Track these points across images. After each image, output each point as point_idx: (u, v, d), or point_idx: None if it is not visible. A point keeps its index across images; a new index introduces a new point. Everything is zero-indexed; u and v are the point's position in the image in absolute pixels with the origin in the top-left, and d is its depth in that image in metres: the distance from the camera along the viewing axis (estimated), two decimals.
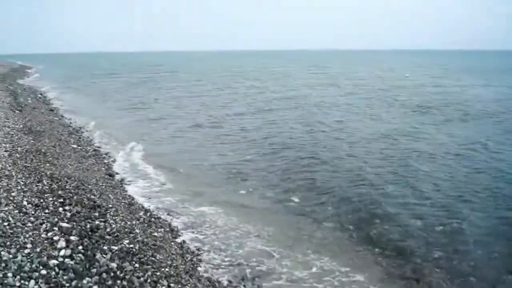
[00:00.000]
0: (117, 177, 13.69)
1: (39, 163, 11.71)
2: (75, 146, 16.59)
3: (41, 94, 35.11)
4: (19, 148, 12.92)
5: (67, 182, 10.44)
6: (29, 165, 11.31)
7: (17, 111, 21.36)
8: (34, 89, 40.01)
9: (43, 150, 13.26)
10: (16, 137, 14.58)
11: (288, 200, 12.70)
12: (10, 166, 10.77)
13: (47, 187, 9.73)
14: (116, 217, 8.75)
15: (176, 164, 16.29)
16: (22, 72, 69.79)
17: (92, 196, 9.75)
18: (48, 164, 11.92)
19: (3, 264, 5.84)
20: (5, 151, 12.34)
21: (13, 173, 10.28)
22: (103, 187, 11.60)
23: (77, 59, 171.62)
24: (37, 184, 9.74)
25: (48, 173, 10.87)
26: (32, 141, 14.55)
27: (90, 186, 10.78)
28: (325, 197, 12.83)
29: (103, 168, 14.25)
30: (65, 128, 20.84)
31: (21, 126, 16.81)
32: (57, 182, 10.26)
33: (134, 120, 26.19)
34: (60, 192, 9.52)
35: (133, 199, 11.65)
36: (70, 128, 21.26)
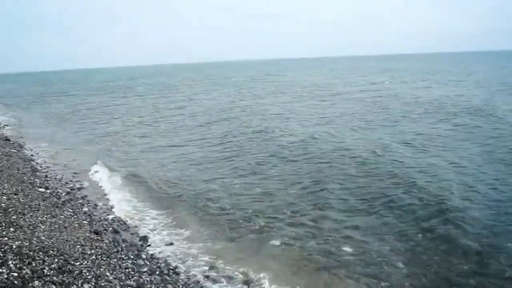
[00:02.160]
0: (108, 235, 10.38)
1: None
2: (42, 189, 13.25)
3: None
4: None
5: (43, 261, 7.23)
6: None
7: None
8: None
9: (3, 205, 9.87)
10: None
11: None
12: None
13: (15, 274, 6.47)
14: None
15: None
16: None
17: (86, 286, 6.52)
18: (12, 229, 8.60)
19: None
20: None
21: None
22: (94, 258, 8.38)
23: (23, 78, 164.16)
24: (0, 272, 6.47)
25: (14, 246, 7.58)
26: None
27: (78, 264, 7.56)
28: None
29: (85, 222, 11.04)
30: (26, 163, 17.40)
31: None
32: (29, 263, 7.01)
33: (103, 147, 22.69)
34: (36, 283, 6.27)
35: (140, 275, 8.39)
36: (33, 163, 17.81)
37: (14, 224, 8.97)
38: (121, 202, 13.51)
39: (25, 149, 21.10)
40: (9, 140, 22.34)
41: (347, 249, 10.05)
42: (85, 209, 12.45)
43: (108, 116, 36.03)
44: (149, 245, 10.32)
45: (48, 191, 13.30)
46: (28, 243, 7.90)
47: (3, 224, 8.76)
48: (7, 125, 29.57)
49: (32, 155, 19.62)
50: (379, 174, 14.90)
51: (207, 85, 75.15)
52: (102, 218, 11.91)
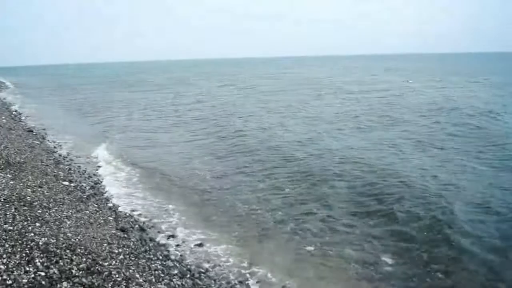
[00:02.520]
0: (135, 233, 10.03)
1: (25, 223, 8.06)
2: (67, 183, 12.97)
3: (15, 111, 31.12)
4: None
5: (71, 260, 6.88)
6: (10, 228, 7.63)
7: None
8: (7, 105, 35.95)
9: (28, 198, 9.60)
10: None
11: None
12: None
13: (43, 274, 6.12)
14: None
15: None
16: None
17: None
18: (38, 224, 8.28)
19: None
20: None
21: None
22: (122, 258, 8.02)
23: (48, 70, 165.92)
24: (27, 270, 6.14)
25: (40, 243, 7.24)
26: (11, 181, 10.91)
27: (106, 264, 7.19)
28: None
29: (111, 218, 10.69)
30: (49, 155, 17.16)
31: None
32: (56, 262, 6.66)
33: (125, 140, 22.39)
34: (65, 284, 5.91)
35: (171, 278, 7.99)
36: (56, 155, 17.61)
37: (40, 218, 8.70)
38: (146, 198, 13.22)
39: (48, 140, 20.94)
40: (32, 131, 22.25)
41: (386, 259, 9.49)
42: (110, 204, 12.15)
43: (127, 109, 35.82)
44: (177, 245, 9.88)
45: (72, 184, 13.02)
46: (54, 240, 7.59)
47: (29, 218, 8.48)
48: (29, 116, 29.49)
49: (54, 147, 19.46)
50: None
51: (217, 80, 74.12)
52: (127, 214, 11.57)
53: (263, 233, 11.07)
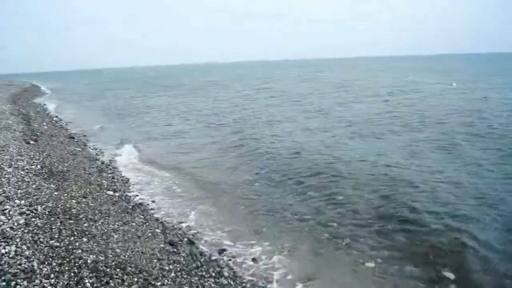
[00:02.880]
0: (184, 247, 9.56)
1: (72, 238, 7.67)
2: (111, 192, 12.68)
3: (56, 117, 31.43)
4: (39, 208, 8.97)
5: (123, 280, 6.39)
6: (57, 244, 7.24)
7: (32, 142, 17.59)
8: (48, 111, 36.55)
9: (73, 211, 9.24)
10: (34, 186, 10.69)
11: None
12: (28, 248, 6.82)
13: None
14: None
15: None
16: (34, 92, 66.82)
17: None
18: (85, 239, 7.88)
19: None
20: (19, 214, 8.44)
21: (35, 265, 6.30)
22: (174, 275, 7.54)
23: (83, 75, 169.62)
24: None
25: (89, 260, 6.82)
26: (55, 192, 10.63)
27: (159, 284, 6.73)
28: None
29: (158, 230, 10.25)
30: (91, 162, 16.99)
31: (38, 166, 12.90)
32: (107, 283, 6.24)
33: (170, 148, 22.11)
34: None
35: None
36: (98, 162, 17.37)
37: (87, 233, 8.33)
38: (191, 209, 12.78)
39: (89, 147, 20.90)
40: (73, 138, 22.31)
41: (449, 274, 8.69)
42: (157, 215, 11.70)
43: (167, 114, 35.70)
44: (229, 260, 9.34)
45: (116, 194, 12.73)
46: (103, 257, 7.17)
47: (75, 233, 8.11)
48: (69, 122, 29.74)
49: (96, 154, 19.36)
50: None
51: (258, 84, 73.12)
52: (175, 226, 11.11)
53: (318, 246, 10.42)
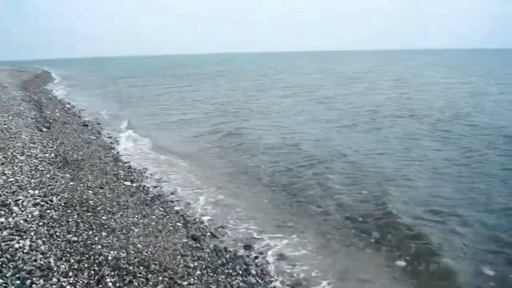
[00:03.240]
0: (207, 241, 9.08)
1: (90, 232, 7.21)
2: (128, 183, 12.26)
3: (69, 104, 31.13)
4: (54, 199, 8.50)
5: (147, 279, 5.95)
6: (75, 239, 6.77)
7: (45, 129, 17.21)
8: (59, 97, 36.28)
9: (91, 202, 8.77)
10: (48, 175, 10.24)
11: None
12: (44, 243, 6.37)
13: None
14: None
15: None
16: (45, 78, 66.75)
17: None
18: (104, 233, 7.41)
19: None
20: (34, 205, 7.98)
21: (51, 262, 5.84)
22: (199, 273, 7.07)
23: (93, 63, 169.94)
24: None
25: (109, 257, 6.35)
26: (71, 182, 10.15)
27: (185, 284, 6.25)
28: None
29: (180, 224, 9.83)
30: (107, 151, 16.59)
31: (52, 155, 12.46)
32: (130, 282, 5.79)
33: (184, 136, 21.64)
34: None
35: None
36: (113, 151, 16.97)
37: (106, 226, 7.88)
38: (212, 200, 12.28)
39: (104, 135, 20.48)
40: (87, 125, 21.92)
41: (489, 271, 8.15)
42: (177, 208, 11.24)
43: (180, 102, 35.25)
44: (256, 257, 8.83)
45: (134, 185, 12.29)
46: (125, 254, 6.70)
47: (94, 226, 7.66)
48: (82, 109, 29.40)
49: (111, 142, 18.94)
50: None
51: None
52: (197, 220, 10.66)
53: (346, 242, 9.94)
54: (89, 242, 6.99)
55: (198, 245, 8.81)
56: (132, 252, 7.03)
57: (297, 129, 22.77)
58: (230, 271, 7.99)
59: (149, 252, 7.30)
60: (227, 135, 21.55)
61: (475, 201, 11.89)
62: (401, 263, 8.95)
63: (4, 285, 5.26)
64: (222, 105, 33.02)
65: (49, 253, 6.36)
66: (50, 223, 7.48)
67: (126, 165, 15.09)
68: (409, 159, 16.21)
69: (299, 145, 18.73)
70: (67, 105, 30.81)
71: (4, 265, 5.72)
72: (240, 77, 65.89)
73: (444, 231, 10.14)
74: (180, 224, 9.90)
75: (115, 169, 13.78)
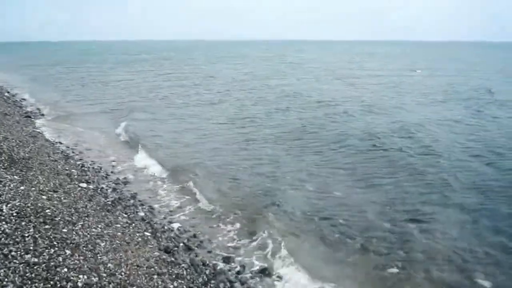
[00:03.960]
0: (182, 254, 8.28)
1: (52, 251, 6.30)
2: (84, 184, 11.20)
3: (8, 92, 28.98)
4: (4, 208, 7.49)
5: None
6: (35, 260, 5.84)
7: None
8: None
9: (48, 212, 7.77)
10: None
11: None
12: None
13: None
14: None
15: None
16: None
17: None
18: (68, 251, 6.49)
19: None
20: None
21: None
22: None
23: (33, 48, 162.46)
24: None
25: (79, 283, 5.54)
26: (21, 185, 8.99)
27: None
28: None
29: (148, 234, 8.94)
30: (55, 147, 15.37)
31: None
32: None
33: (137, 127, 20.48)
34: None
35: None
36: (62, 147, 15.71)
37: (68, 242, 6.86)
38: (181, 204, 11.36)
39: (49, 127, 18.97)
40: (30, 117, 20.29)
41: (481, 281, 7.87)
42: (141, 213, 10.29)
43: (129, 91, 33.77)
44: (238, 272, 8.11)
45: (91, 186, 11.25)
46: (97, 278, 5.81)
47: (55, 243, 6.66)
48: (24, 99, 27.47)
49: (59, 136, 17.54)
50: None
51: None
52: (165, 227, 9.74)
53: (331, 248, 9.45)
54: (52, 264, 6.06)
55: (172, 259, 8.01)
56: (104, 275, 6.16)
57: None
58: None
59: (122, 273, 6.44)
60: (187, 124, 20.55)
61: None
62: (394, 270, 8.55)
63: None
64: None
65: (6, 280, 5.37)
66: (3, 239, 6.44)
67: (78, 162, 13.92)
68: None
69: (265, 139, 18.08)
70: (5, 93, 28.65)
71: None
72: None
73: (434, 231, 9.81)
74: (149, 234, 9.04)
75: (67, 168, 12.64)
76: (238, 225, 10.38)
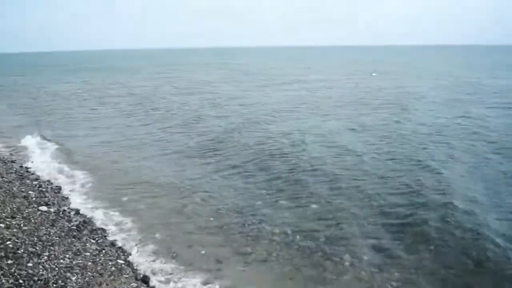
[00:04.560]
0: (162, 286, 7.61)
1: None
2: (44, 208, 10.36)
3: None
4: None
5: None
6: None
7: None
8: None
9: (9, 244, 7.02)
10: None
11: None
12: None
13: None
14: None
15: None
16: None
17: None
18: None
19: None
20: None
21: None
22: None
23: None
24: None
25: None
26: None
27: None
28: None
29: (121, 261, 8.23)
30: (7, 166, 14.28)
31: None
32: None
33: (95, 138, 19.58)
34: None
35: None
36: (16, 166, 14.62)
37: (36, 279, 6.11)
38: (131, 223, 10.60)
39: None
40: None
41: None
42: (111, 238, 9.55)
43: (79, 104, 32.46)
44: None
45: (52, 210, 10.44)
46: None
47: (22, 281, 5.89)
48: None
49: (11, 154, 16.49)
50: None
51: None
52: (138, 250, 9.03)
53: (280, 263, 8.89)
54: None
55: None
56: None
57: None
58: None
59: None
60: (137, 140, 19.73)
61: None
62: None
63: None
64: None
65: None
66: None
67: (35, 182, 12.94)
68: None
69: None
70: None
71: None
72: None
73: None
74: (122, 262, 8.39)
75: (23, 189, 11.76)
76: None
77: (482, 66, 73.09)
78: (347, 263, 8.78)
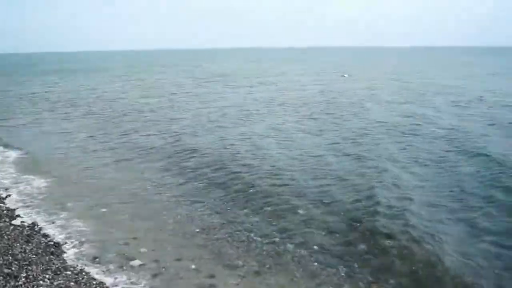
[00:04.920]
0: None
1: None
2: (17, 222, 9.78)
3: None
4: None
5: None
6: None
7: None
8: None
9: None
10: None
11: None
12: None
13: None
14: None
15: None
16: None
17: None
18: None
19: None
20: None
21: None
22: None
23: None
24: None
25: None
26: None
27: None
28: None
29: (105, 279, 7.53)
30: None
31: None
32: None
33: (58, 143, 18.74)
34: None
35: None
36: None
37: None
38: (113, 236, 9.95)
39: None
40: None
41: None
42: (93, 251, 8.92)
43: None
44: None
45: (25, 223, 9.67)
46: None
47: None
48: None
49: None
50: None
51: None
52: (125, 267, 8.44)
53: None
54: None
55: None
56: None
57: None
58: None
59: None
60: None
61: None
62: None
63: None
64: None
65: None
66: None
67: (3, 194, 12.15)
68: None
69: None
70: None
71: None
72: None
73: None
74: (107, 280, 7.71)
75: None
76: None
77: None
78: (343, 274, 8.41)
